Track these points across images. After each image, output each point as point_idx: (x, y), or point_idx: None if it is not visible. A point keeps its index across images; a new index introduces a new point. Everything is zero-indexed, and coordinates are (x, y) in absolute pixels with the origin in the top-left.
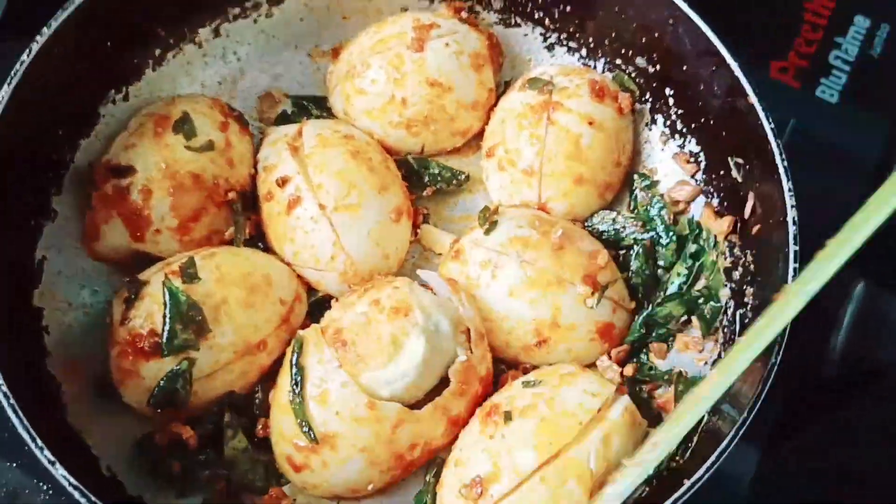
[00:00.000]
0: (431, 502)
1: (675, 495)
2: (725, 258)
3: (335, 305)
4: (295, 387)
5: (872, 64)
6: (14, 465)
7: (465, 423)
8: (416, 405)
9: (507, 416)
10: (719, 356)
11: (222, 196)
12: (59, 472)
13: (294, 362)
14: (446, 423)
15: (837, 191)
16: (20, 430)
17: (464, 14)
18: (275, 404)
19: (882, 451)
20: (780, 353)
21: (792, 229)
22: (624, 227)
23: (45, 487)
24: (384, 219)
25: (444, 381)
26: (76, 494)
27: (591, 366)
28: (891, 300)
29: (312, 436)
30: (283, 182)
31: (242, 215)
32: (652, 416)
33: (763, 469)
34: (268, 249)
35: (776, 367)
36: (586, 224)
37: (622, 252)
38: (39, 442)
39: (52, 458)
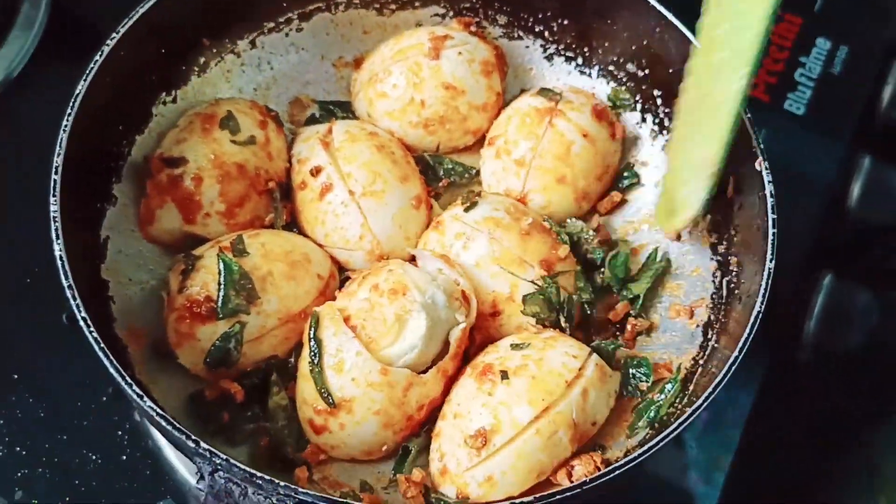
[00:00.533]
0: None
1: (674, 426)
2: (710, 235)
3: (339, 295)
4: (314, 357)
5: (833, 80)
6: (65, 437)
7: (455, 377)
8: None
9: (504, 375)
10: (709, 319)
11: (263, 185)
12: (147, 403)
13: (311, 336)
14: (444, 382)
15: (805, 185)
16: (111, 370)
17: (473, 28)
18: (299, 373)
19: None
20: (765, 302)
21: (770, 201)
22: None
23: (94, 457)
24: (406, 205)
25: (443, 346)
26: (163, 423)
27: None
28: (855, 291)
29: (331, 401)
30: (316, 171)
31: (280, 203)
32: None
33: (738, 461)
34: (301, 234)
35: (761, 316)
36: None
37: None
38: (129, 380)
39: (140, 393)
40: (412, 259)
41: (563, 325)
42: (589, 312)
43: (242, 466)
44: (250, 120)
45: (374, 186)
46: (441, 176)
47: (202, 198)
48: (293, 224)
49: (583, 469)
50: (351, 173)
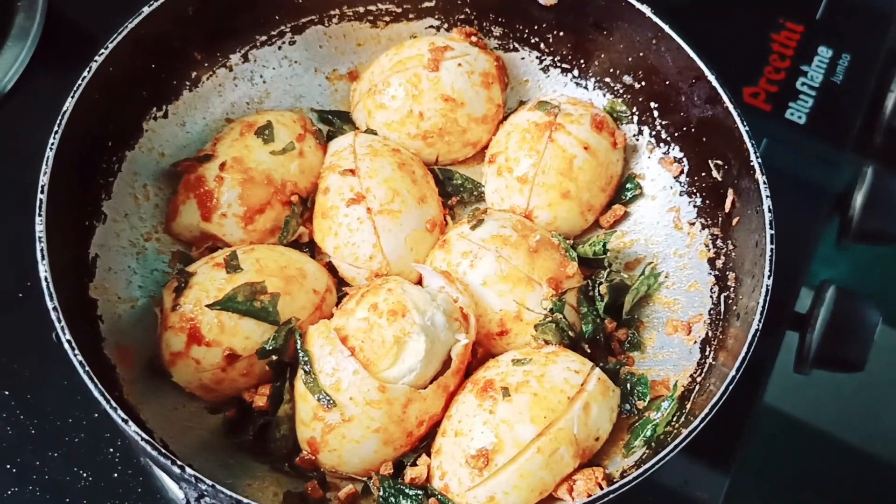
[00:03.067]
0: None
1: (672, 445)
2: (708, 250)
3: (336, 313)
4: (305, 366)
5: (835, 89)
6: (55, 454)
7: (456, 392)
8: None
9: (505, 392)
10: (706, 336)
11: (287, 197)
12: (132, 429)
13: (299, 348)
14: (446, 397)
15: (807, 195)
16: (95, 393)
17: (474, 38)
18: (295, 393)
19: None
20: (762, 320)
21: (768, 216)
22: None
23: (85, 475)
24: (420, 227)
25: (444, 362)
26: (148, 448)
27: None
28: (858, 304)
29: (329, 400)
30: (351, 172)
31: (294, 219)
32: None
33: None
34: (310, 244)
35: (759, 333)
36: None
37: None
38: (113, 403)
39: (125, 417)
40: (420, 280)
41: (585, 349)
42: (598, 337)
43: (228, 492)
44: (288, 131)
45: (391, 205)
46: (450, 192)
47: (220, 197)
48: (296, 245)
49: (584, 484)
50: (370, 188)
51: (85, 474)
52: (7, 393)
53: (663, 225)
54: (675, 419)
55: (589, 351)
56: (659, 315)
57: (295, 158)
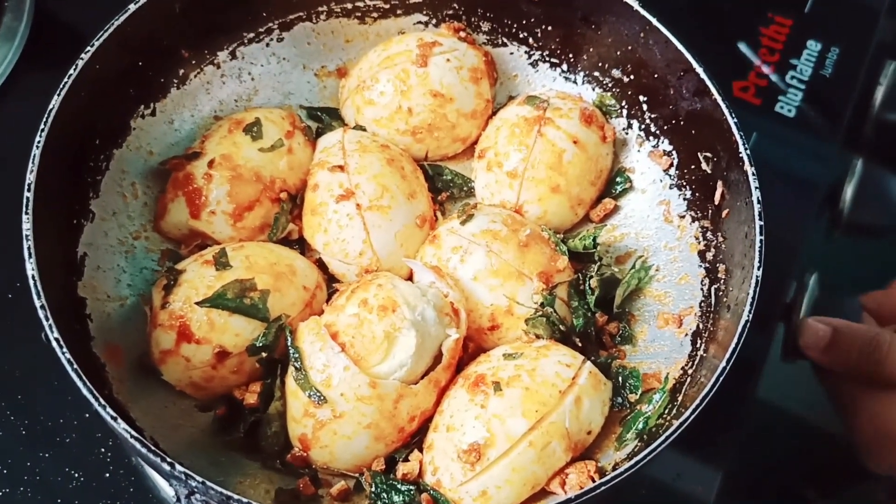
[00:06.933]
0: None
1: (663, 437)
2: (699, 242)
3: (326, 309)
4: (296, 363)
5: (824, 82)
6: (47, 455)
7: (447, 387)
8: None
9: (497, 387)
10: (697, 328)
11: (276, 194)
12: (122, 426)
13: (290, 345)
14: (437, 393)
15: (797, 188)
16: (84, 391)
17: (462, 34)
18: (286, 390)
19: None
20: (752, 311)
21: (757, 207)
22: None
23: (76, 475)
24: (410, 223)
25: (435, 357)
26: (137, 446)
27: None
28: (839, 296)
29: (320, 396)
30: (340, 168)
31: (284, 216)
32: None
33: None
34: (300, 240)
35: (749, 324)
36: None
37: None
38: (103, 401)
39: (114, 415)
40: (411, 276)
41: (576, 342)
42: (589, 331)
43: (218, 489)
44: (277, 128)
45: (381, 201)
46: (440, 187)
47: (209, 194)
48: (286, 241)
49: (576, 478)
50: (360, 184)
51: (76, 474)
52: None
53: (653, 218)
54: (666, 411)
55: (580, 345)
56: (650, 308)
57: (284, 155)
